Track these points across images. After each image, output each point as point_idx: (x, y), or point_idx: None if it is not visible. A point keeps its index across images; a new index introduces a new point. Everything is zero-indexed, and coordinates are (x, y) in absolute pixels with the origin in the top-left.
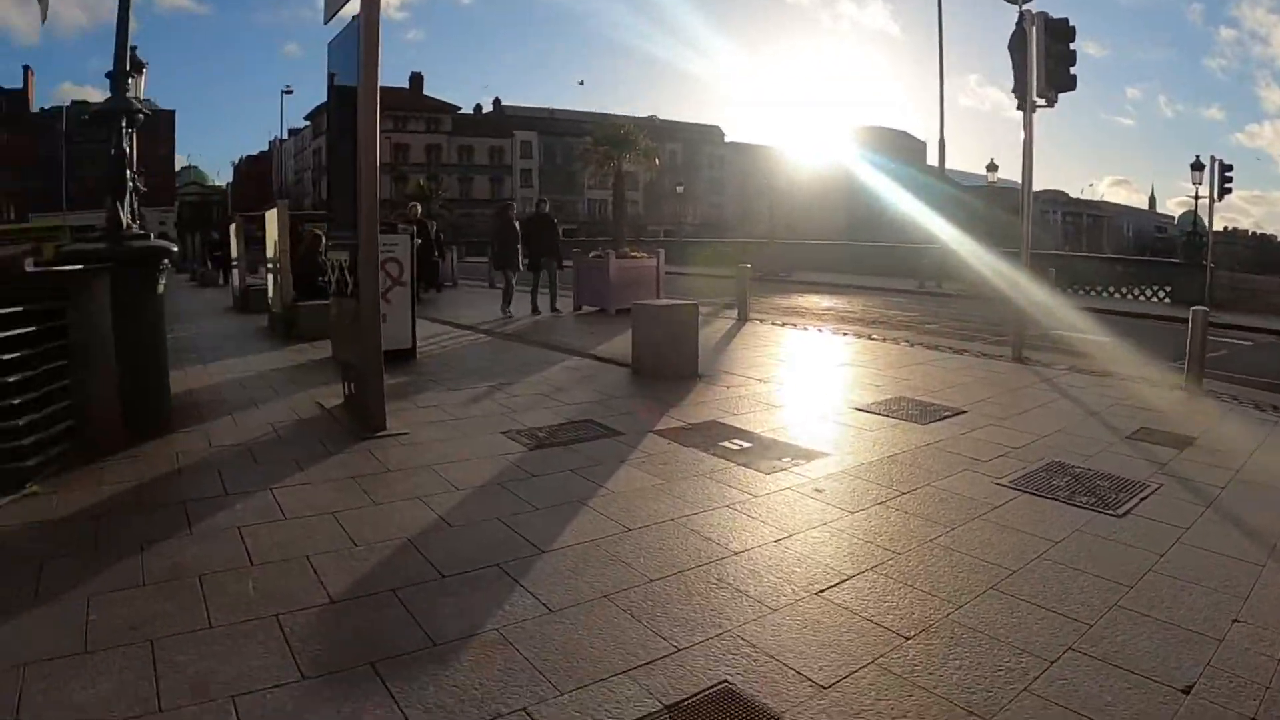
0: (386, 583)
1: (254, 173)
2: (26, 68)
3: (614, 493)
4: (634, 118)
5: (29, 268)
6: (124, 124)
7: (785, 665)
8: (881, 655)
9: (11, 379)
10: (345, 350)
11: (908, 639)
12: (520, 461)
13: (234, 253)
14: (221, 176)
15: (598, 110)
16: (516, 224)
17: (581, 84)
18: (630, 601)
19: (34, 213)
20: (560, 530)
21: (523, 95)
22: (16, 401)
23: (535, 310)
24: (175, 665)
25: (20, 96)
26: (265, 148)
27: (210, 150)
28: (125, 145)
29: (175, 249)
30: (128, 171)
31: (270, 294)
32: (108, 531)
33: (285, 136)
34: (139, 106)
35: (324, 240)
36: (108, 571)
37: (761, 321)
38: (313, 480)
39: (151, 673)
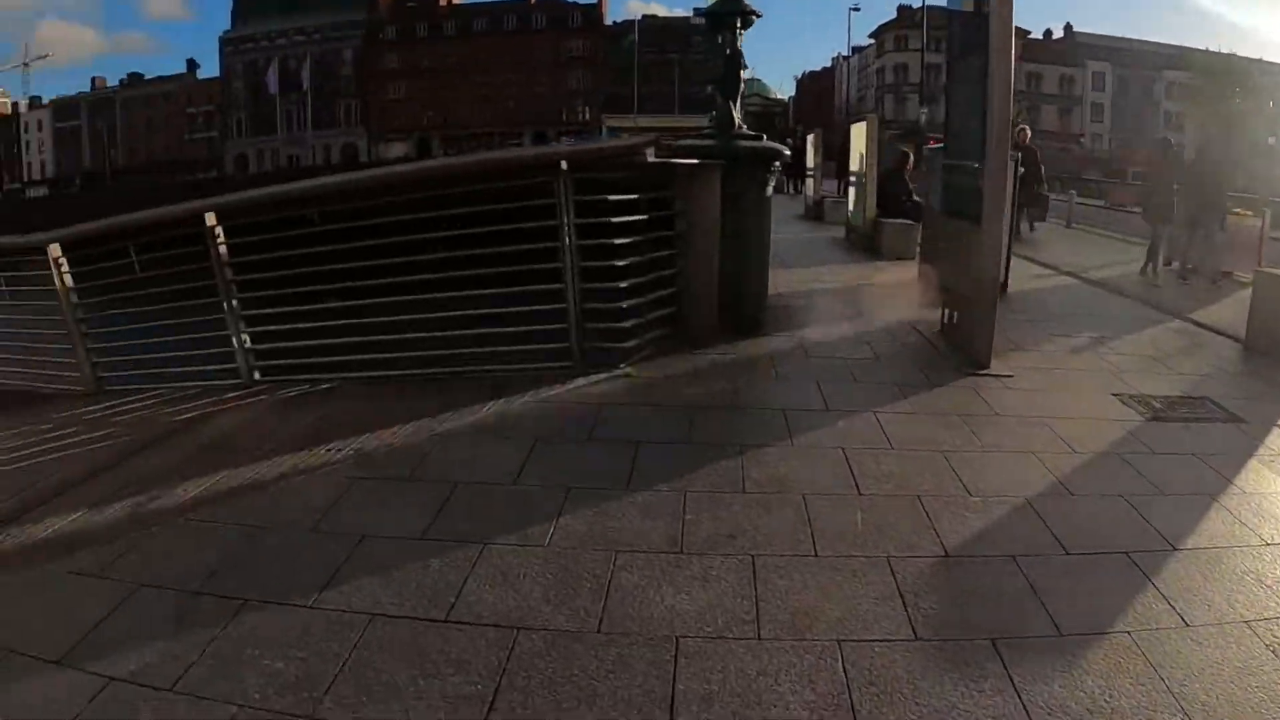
0: (1004, 546)
1: (815, 88)
2: None
3: (1243, 491)
4: (1226, 54)
5: (650, 158)
6: (738, 25)
7: None
8: None
9: (619, 263)
10: (948, 275)
11: None
12: (1136, 432)
13: (809, 163)
14: (782, 90)
15: (1177, 44)
16: (1179, 167)
17: None
18: (1274, 636)
19: (605, 113)
20: (1189, 525)
21: (1094, 23)
22: (623, 285)
23: (1184, 276)
24: (776, 590)
25: (595, 11)
26: (828, 64)
27: (772, 64)
28: (739, 46)
29: (787, 152)
30: (740, 72)
31: (850, 208)
32: (703, 426)
33: (849, 54)
34: (752, 8)
35: (910, 160)
36: (705, 470)
37: None
38: (916, 411)
39: (751, 592)
